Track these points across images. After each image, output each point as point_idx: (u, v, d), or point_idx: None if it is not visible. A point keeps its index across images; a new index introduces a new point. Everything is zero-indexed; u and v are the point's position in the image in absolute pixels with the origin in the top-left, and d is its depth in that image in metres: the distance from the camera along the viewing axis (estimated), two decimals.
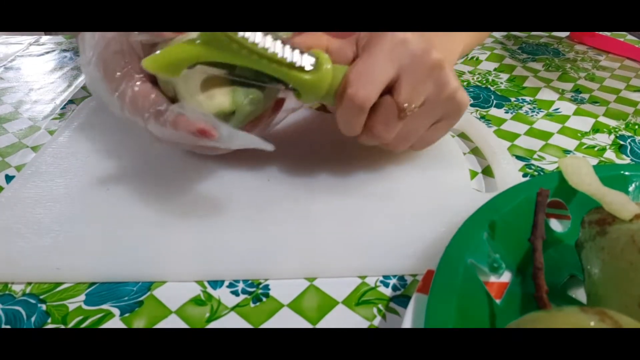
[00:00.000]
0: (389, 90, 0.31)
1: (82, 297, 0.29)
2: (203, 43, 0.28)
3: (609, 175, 0.31)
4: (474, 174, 0.40)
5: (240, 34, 0.28)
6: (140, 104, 0.30)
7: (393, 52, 0.30)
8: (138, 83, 0.31)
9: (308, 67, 0.30)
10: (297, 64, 0.30)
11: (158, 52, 0.29)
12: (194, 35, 0.29)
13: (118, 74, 0.31)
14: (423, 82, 0.31)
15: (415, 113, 0.32)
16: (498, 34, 0.72)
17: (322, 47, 0.32)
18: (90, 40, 0.32)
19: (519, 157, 0.43)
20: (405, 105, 0.31)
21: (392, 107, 0.31)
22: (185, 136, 0.29)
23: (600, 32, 0.68)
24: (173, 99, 0.31)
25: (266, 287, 0.30)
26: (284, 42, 0.30)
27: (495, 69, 0.60)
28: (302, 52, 0.30)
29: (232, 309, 0.29)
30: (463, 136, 0.45)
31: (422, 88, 0.31)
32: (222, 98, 0.31)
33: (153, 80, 0.32)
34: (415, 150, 0.37)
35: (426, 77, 0.31)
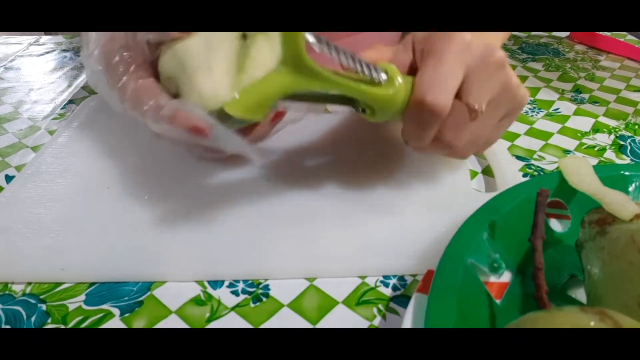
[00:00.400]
0: (457, 94, 0.30)
1: (82, 297, 0.29)
2: (287, 73, 0.27)
3: (609, 175, 0.31)
4: (474, 174, 0.40)
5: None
6: (140, 98, 0.30)
7: (461, 54, 0.30)
8: (140, 78, 0.30)
9: (383, 82, 0.29)
10: (376, 80, 0.29)
11: (237, 95, 0.27)
12: (262, 64, 0.28)
13: (121, 68, 0.31)
14: (489, 82, 0.30)
15: (482, 115, 0.31)
16: None
17: (386, 59, 0.32)
18: (94, 33, 0.32)
19: (519, 157, 0.43)
20: (476, 106, 0.30)
21: (463, 111, 0.30)
22: (181, 133, 0.29)
23: (600, 32, 0.68)
24: (175, 96, 0.31)
25: (266, 287, 0.30)
26: (354, 58, 0.28)
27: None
28: (375, 67, 0.29)
29: (232, 309, 0.29)
30: None
31: (488, 87, 0.31)
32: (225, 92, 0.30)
33: (155, 75, 0.31)
34: (480, 153, 0.36)
35: (492, 76, 0.30)
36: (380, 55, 0.32)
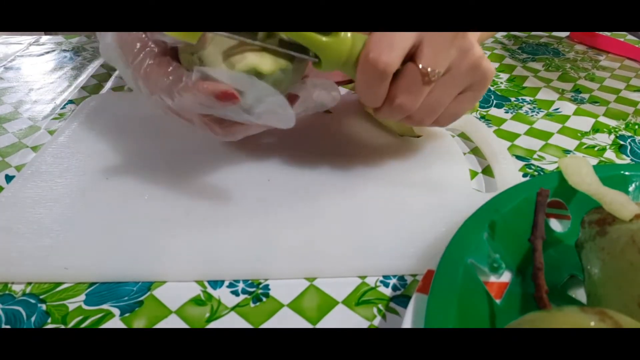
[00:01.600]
0: (411, 57, 0.31)
1: (82, 297, 0.29)
2: None
3: (609, 175, 0.31)
4: (474, 174, 0.40)
5: None
6: (156, 74, 0.30)
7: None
8: (156, 56, 0.30)
9: (330, 33, 0.30)
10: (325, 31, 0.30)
11: None
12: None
13: (138, 44, 0.31)
14: (446, 48, 0.30)
15: (439, 81, 0.31)
16: (498, 34, 0.72)
17: None
18: None
19: (519, 157, 0.43)
20: (429, 69, 0.30)
21: (415, 73, 0.30)
22: (206, 101, 0.29)
23: (600, 32, 0.68)
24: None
25: (266, 287, 0.30)
26: None
27: (495, 69, 0.60)
28: None
29: (232, 309, 0.29)
30: (463, 136, 0.45)
31: (445, 53, 0.30)
32: (254, 58, 0.30)
33: (172, 54, 0.31)
34: (441, 126, 0.36)
35: (449, 42, 0.30)
36: None
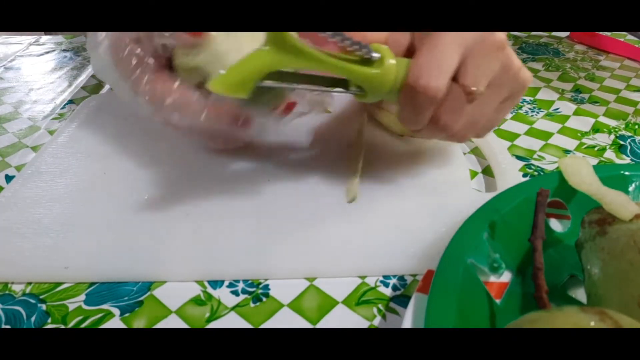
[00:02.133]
0: (454, 77, 0.30)
1: (82, 297, 0.29)
2: (272, 51, 0.27)
3: (609, 175, 0.31)
4: (474, 174, 0.40)
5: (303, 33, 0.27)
6: (161, 91, 0.30)
7: (458, 36, 0.29)
8: (155, 71, 0.31)
9: (374, 61, 0.29)
10: (366, 59, 0.29)
11: (223, 71, 0.26)
12: (248, 45, 0.28)
13: (133, 60, 0.31)
14: (488, 63, 0.30)
15: (481, 97, 0.31)
16: None
17: (382, 40, 0.31)
18: None
19: (519, 157, 0.43)
20: (474, 88, 0.30)
21: (459, 93, 0.30)
22: (216, 124, 0.29)
23: (600, 32, 0.68)
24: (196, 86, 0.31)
25: (266, 287, 0.30)
26: (343, 36, 0.28)
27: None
28: (365, 46, 0.29)
29: (232, 309, 0.29)
30: None
31: (487, 69, 0.30)
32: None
33: (170, 68, 0.31)
34: (479, 137, 0.36)
35: (491, 57, 0.30)
36: (374, 36, 0.31)
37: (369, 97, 0.30)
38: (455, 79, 0.30)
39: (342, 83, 0.30)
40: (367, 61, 0.29)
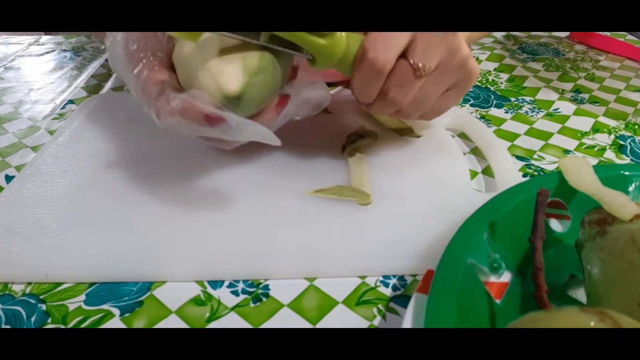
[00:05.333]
0: (403, 54, 0.32)
1: (82, 297, 0.29)
2: None
3: (609, 175, 0.31)
4: (474, 174, 0.40)
5: None
6: (149, 89, 0.31)
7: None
8: (155, 67, 0.31)
9: (325, 34, 0.31)
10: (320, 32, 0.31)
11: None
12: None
13: (139, 54, 0.32)
14: (437, 45, 0.32)
15: (428, 77, 0.33)
16: (498, 34, 0.72)
17: None
18: None
19: (519, 157, 0.43)
20: (420, 65, 0.32)
21: (407, 69, 0.32)
22: (192, 125, 0.29)
23: (600, 32, 0.68)
24: (189, 83, 0.31)
25: (266, 287, 0.30)
26: None
27: (495, 69, 0.60)
28: None
29: (232, 309, 0.29)
30: (463, 136, 0.45)
31: (435, 51, 0.32)
32: (231, 74, 0.30)
33: (170, 65, 0.32)
34: (425, 119, 0.38)
35: (440, 40, 0.32)
36: None
37: (318, 64, 0.32)
38: (404, 56, 0.32)
39: (297, 47, 0.32)
40: (320, 33, 0.31)
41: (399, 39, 0.31)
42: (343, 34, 0.32)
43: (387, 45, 0.31)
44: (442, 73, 0.33)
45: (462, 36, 0.33)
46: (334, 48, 0.31)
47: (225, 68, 0.30)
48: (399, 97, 0.33)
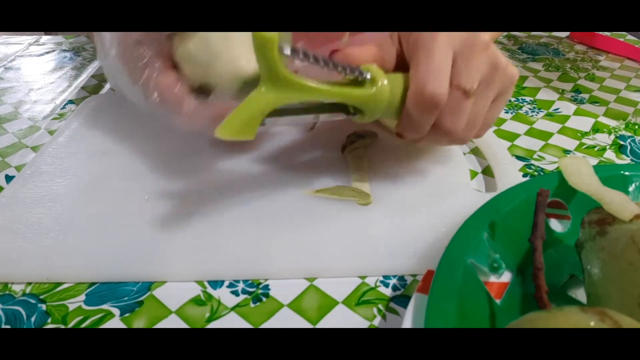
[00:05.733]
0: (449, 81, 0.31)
1: (82, 297, 0.29)
2: (269, 90, 0.27)
3: (609, 175, 0.31)
4: (474, 174, 0.40)
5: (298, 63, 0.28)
6: (167, 96, 0.30)
7: (448, 40, 0.30)
8: (160, 70, 0.31)
9: (367, 81, 0.30)
10: (360, 80, 0.30)
11: (226, 118, 0.27)
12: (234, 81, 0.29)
13: (139, 63, 0.31)
14: (477, 62, 0.31)
15: (476, 96, 0.32)
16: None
17: (371, 54, 0.32)
18: (107, 33, 0.32)
19: (519, 157, 0.43)
20: (468, 87, 0.31)
21: (456, 95, 0.31)
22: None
23: (600, 32, 0.68)
24: (201, 83, 0.31)
25: (266, 287, 0.30)
26: (334, 63, 0.29)
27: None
28: (356, 68, 0.30)
29: (232, 309, 0.29)
30: None
31: (477, 68, 0.31)
32: (247, 55, 0.30)
33: (173, 63, 0.32)
34: (478, 137, 0.36)
35: (479, 57, 0.31)
36: (362, 51, 0.32)
37: (367, 117, 0.31)
38: (450, 82, 0.31)
39: (341, 107, 0.31)
40: (361, 82, 0.30)
41: (447, 66, 0.30)
42: (384, 78, 0.30)
43: (441, 75, 0.30)
44: (487, 87, 0.32)
45: (495, 47, 0.32)
46: (381, 95, 0.30)
47: (239, 52, 0.29)
48: (454, 125, 0.32)
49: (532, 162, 0.42)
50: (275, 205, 0.35)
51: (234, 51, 0.30)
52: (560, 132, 0.47)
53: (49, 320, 0.28)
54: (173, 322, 0.28)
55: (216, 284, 0.30)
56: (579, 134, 0.47)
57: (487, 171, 0.41)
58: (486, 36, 0.31)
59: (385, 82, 0.30)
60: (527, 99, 0.53)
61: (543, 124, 0.48)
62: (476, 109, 0.33)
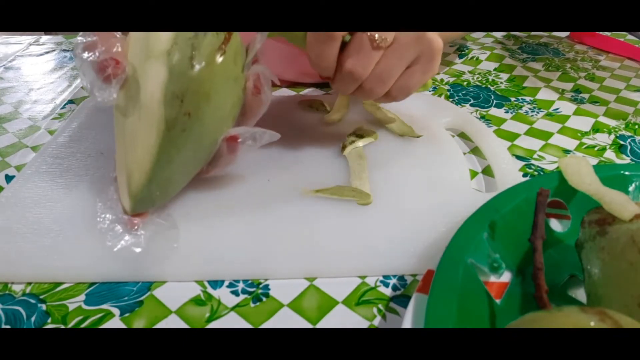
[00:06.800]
0: None
1: (82, 297, 0.29)
2: None
3: (609, 175, 0.31)
4: (474, 174, 0.40)
5: None
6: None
7: None
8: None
9: None
10: None
11: None
12: None
13: (105, 63, 0.30)
14: None
15: (387, 51, 0.32)
16: (498, 34, 0.72)
17: None
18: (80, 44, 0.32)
19: (519, 157, 0.43)
20: (376, 36, 0.32)
21: (363, 37, 0.32)
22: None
23: (600, 32, 0.68)
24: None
25: (266, 287, 0.30)
26: None
27: (495, 69, 0.60)
28: None
29: (232, 309, 0.29)
30: (463, 136, 0.45)
31: None
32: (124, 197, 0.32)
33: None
34: (396, 100, 0.37)
35: None
36: None
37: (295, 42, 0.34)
38: None
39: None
40: None
41: None
42: None
43: None
44: (400, 45, 0.33)
45: None
46: None
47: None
48: (358, 69, 0.33)
49: (532, 162, 0.42)
50: (275, 205, 0.35)
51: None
52: (560, 132, 0.47)
53: (49, 320, 0.28)
54: (173, 322, 0.28)
55: (216, 283, 0.30)
56: (579, 134, 0.47)
57: (487, 171, 0.41)
58: None
59: None
60: (527, 98, 0.53)
61: (543, 124, 0.48)
62: (385, 65, 0.33)
